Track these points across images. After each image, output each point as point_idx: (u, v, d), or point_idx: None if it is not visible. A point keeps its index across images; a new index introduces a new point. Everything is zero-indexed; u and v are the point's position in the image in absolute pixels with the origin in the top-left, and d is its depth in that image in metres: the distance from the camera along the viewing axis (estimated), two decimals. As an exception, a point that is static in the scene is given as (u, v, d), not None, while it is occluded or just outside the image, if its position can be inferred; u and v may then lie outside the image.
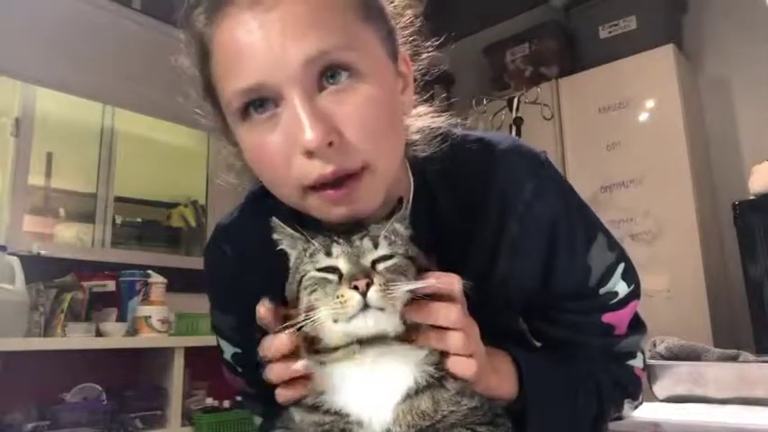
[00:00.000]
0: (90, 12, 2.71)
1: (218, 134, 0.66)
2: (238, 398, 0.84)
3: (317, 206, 0.57)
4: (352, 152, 0.55)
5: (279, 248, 0.60)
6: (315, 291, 0.52)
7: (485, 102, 2.68)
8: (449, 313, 0.54)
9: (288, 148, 0.55)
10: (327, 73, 0.54)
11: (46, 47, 2.55)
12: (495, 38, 3.13)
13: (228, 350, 0.76)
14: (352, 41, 0.55)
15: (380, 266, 0.52)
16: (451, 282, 0.55)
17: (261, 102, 0.55)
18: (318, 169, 0.54)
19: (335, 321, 0.51)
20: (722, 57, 2.67)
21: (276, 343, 0.54)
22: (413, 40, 0.67)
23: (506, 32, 3.09)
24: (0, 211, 2.52)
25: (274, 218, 0.59)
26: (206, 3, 0.58)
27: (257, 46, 0.53)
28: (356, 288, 0.50)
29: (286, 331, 0.53)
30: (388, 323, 0.52)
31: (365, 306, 0.49)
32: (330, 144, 0.53)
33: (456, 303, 0.55)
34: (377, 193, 0.59)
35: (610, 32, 2.70)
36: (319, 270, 0.53)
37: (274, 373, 0.56)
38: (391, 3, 0.64)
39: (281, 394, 0.57)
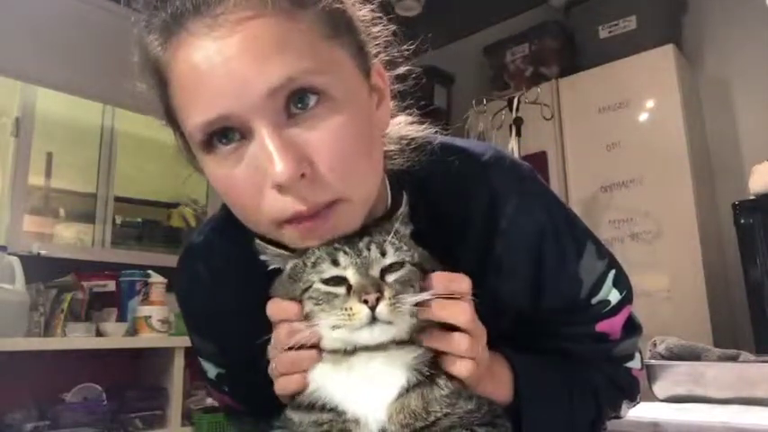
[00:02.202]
0: (90, 12, 2.70)
1: (184, 159, 0.62)
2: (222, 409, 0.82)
3: (292, 238, 0.55)
4: (326, 185, 0.51)
5: (270, 268, 0.58)
6: (321, 302, 0.52)
7: (485, 102, 2.68)
8: (459, 312, 0.54)
9: (257, 182, 0.52)
10: (295, 97, 0.51)
11: (46, 47, 2.55)
12: (495, 38, 3.12)
13: (212, 371, 0.73)
14: (320, 64, 0.51)
15: (390, 278, 0.52)
16: (460, 284, 0.55)
17: (224, 133, 0.52)
18: (292, 206, 0.51)
19: (336, 328, 0.50)
20: (722, 57, 2.67)
21: (299, 336, 0.52)
22: (387, 46, 0.63)
23: (506, 32, 3.08)
24: (0, 211, 2.52)
25: (258, 240, 0.57)
26: (160, 27, 0.53)
27: (217, 75, 0.49)
28: (366, 302, 0.49)
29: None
30: (394, 335, 0.51)
31: (373, 319, 0.49)
32: (302, 176, 0.50)
33: (466, 303, 0.54)
34: (355, 220, 0.56)
35: (610, 32, 2.70)
36: (326, 280, 0.52)
37: (289, 360, 0.54)
38: (359, 11, 0.60)
39: (282, 386, 0.56)
